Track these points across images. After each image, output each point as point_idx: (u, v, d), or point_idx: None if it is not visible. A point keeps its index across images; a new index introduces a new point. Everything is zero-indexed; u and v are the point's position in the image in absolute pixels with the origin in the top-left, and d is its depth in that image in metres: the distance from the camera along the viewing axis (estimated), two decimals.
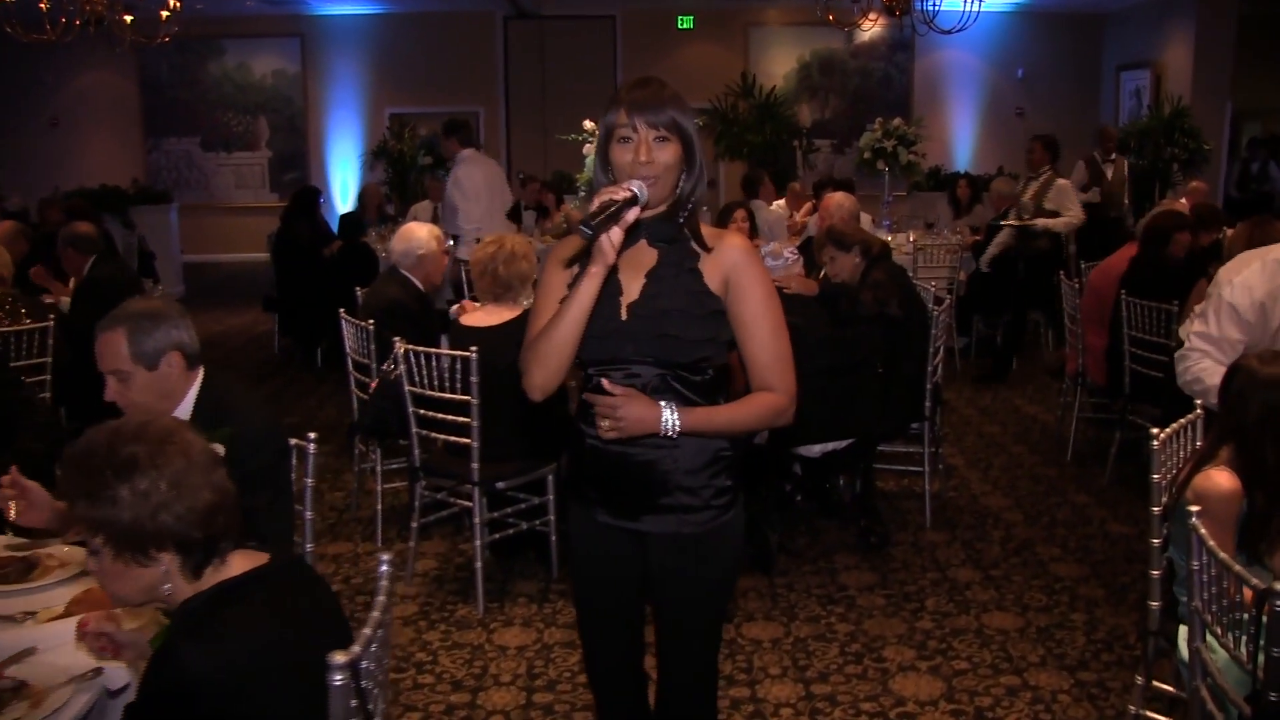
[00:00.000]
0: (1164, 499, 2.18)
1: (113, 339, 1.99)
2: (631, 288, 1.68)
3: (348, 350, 3.94)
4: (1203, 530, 1.74)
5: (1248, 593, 1.63)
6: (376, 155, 10.44)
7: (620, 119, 1.62)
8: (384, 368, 3.54)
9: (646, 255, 1.69)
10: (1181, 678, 2.11)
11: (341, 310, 3.96)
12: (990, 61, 11.78)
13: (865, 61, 11.82)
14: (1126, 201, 7.74)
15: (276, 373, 6.71)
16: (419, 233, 4.07)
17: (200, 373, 2.11)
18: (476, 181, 5.64)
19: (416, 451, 3.34)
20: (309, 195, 7.24)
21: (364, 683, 1.36)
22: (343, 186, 11.79)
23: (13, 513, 1.86)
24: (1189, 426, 2.38)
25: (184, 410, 2.05)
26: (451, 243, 4.86)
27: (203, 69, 11.81)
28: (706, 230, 1.72)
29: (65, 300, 4.70)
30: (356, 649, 1.32)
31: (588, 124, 4.28)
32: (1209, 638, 1.80)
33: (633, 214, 1.55)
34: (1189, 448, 2.35)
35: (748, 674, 2.86)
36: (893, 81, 11.86)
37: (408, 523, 3.52)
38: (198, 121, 11.88)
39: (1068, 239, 6.57)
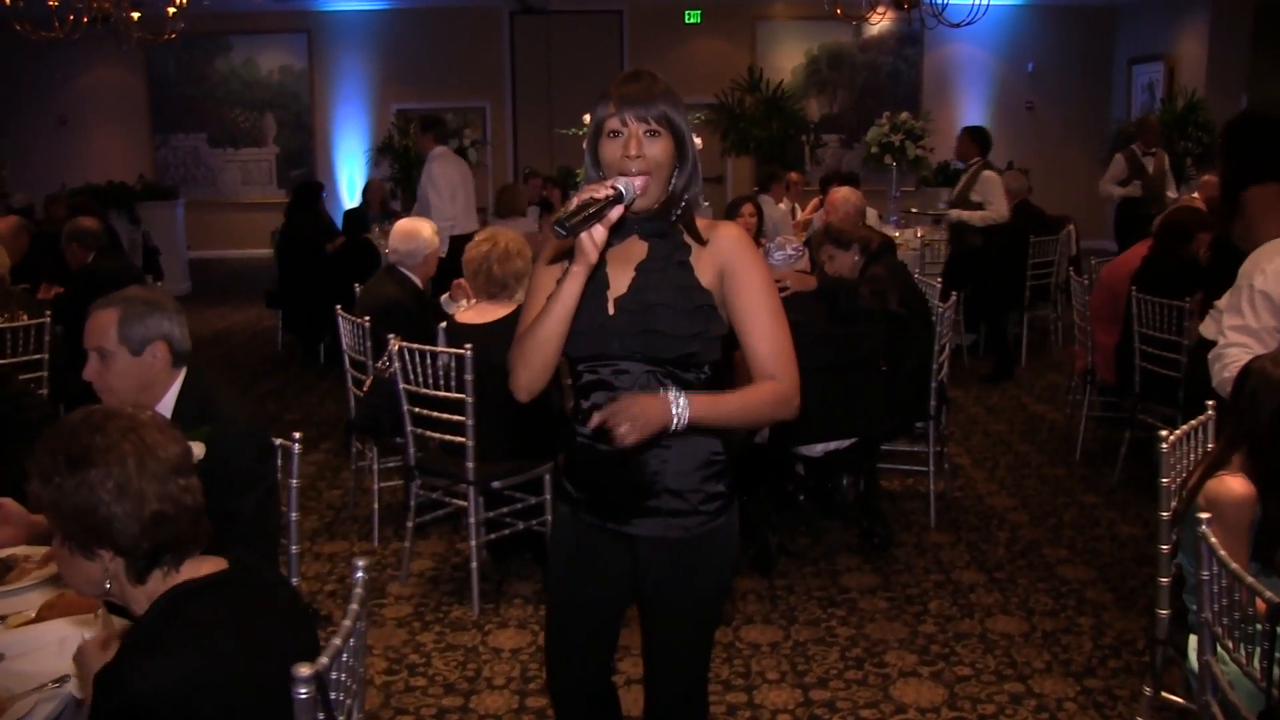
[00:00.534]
0: (1174, 503, 2.11)
1: (104, 316, 1.98)
2: (620, 282, 1.63)
3: (344, 348, 3.90)
4: (1214, 540, 1.67)
5: (1261, 605, 1.56)
6: (382, 151, 10.41)
7: (610, 112, 1.58)
8: (379, 365, 3.50)
9: (637, 249, 1.64)
10: (1191, 688, 2.04)
11: (338, 307, 3.92)
12: (1000, 55, 11.65)
13: (874, 56, 11.71)
14: (1174, 194, 7.42)
15: (278, 369, 6.69)
16: (425, 231, 4.02)
17: (183, 372, 2.08)
18: (451, 178, 5.80)
19: (412, 450, 3.29)
20: (311, 190, 7.21)
21: (334, 694, 1.32)
22: (349, 182, 11.77)
23: None
24: (1200, 428, 2.31)
25: (165, 407, 2.01)
26: None
27: (210, 65, 11.80)
28: (702, 223, 1.66)
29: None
30: (324, 660, 1.27)
31: (587, 118, 4.22)
32: (1220, 651, 1.74)
33: (616, 212, 1.51)
34: (1200, 450, 2.28)
35: (745, 679, 2.81)
36: (901, 76, 11.74)
37: (404, 522, 3.48)
38: (205, 118, 11.87)
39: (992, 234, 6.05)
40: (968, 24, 7.24)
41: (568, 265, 1.58)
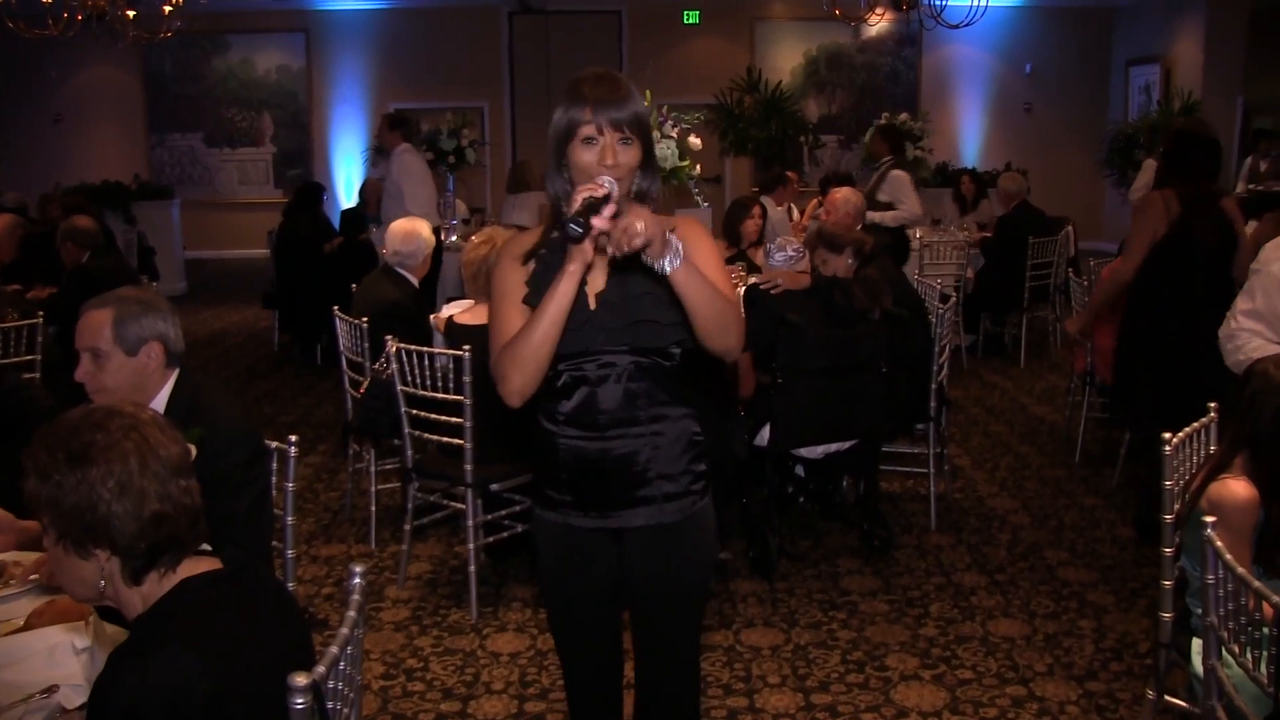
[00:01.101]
0: (1176, 506, 2.10)
1: (98, 316, 1.96)
2: (595, 278, 1.65)
3: (341, 349, 3.87)
4: (1219, 543, 1.66)
5: (1267, 609, 1.55)
6: (380, 151, 10.37)
7: (585, 118, 1.58)
8: (376, 367, 3.48)
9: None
10: (1194, 691, 2.03)
11: (335, 308, 3.89)
12: (998, 56, 11.65)
13: (872, 56, 11.70)
14: None
15: (275, 370, 6.66)
16: (424, 231, 3.99)
17: (176, 373, 2.06)
18: (422, 170, 5.98)
19: (409, 452, 3.27)
20: (312, 191, 7.19)
21: (331, 703, 1.30)
22: (347, 182, 11.73)
23: None
24: (1202, 431, 2.30)
25: (156, 408, 1.99)
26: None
27: (207, 64, 11.76)
28: (662, 219, 1.65)
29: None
30: (321, 669, 1.25)
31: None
32: (1225, 654, 1.72)
33: (609, 210, 1.50)
34: (1202, 453, 2.27)
35: (746, 683, 2.79)
36: (900, 77, 11.74)
37: (402, 524, 3.46)
38: (201, 117, 11.83)
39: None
40: (966, 25, 7.24)
41: (540, 264, 1.62)
